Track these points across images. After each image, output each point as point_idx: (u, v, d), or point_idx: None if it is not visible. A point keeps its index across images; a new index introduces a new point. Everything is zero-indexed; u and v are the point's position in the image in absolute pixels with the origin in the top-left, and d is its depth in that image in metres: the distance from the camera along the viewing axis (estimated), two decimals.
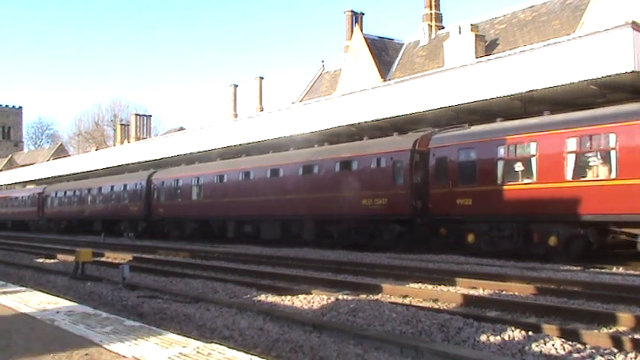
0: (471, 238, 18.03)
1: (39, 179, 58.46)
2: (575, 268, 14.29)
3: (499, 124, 18.24)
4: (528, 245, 16.84)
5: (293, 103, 43.48)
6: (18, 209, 54.12)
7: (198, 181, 30.44)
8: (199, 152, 34.96)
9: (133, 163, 42.15)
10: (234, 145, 31.84)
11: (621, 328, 7.57)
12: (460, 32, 33.90)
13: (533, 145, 16.53)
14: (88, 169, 48.89)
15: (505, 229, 17.37)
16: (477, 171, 18.01)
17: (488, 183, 17.65)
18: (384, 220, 20.69)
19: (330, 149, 23.96)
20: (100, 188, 40.32)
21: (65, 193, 45.90)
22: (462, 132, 19.17)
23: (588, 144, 15.50)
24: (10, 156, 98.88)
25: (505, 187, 17.23)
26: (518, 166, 16.84)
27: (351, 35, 43.05)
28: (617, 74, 16.64)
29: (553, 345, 6.46)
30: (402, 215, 19.97)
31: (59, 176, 53.31)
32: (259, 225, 26.14)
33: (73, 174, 51.33)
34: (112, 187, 38.69)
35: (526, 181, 16.71)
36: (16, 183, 64.74)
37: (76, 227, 42.65)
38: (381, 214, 20.50)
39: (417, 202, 19.48)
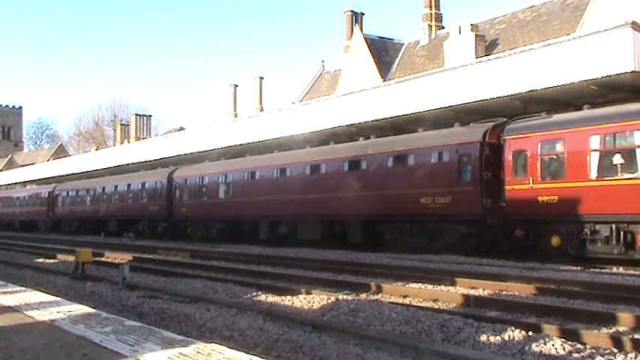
0: (555, 240, 16.14)
1: (42, 178, 57.38)
2: (575, 268, 14.30)
3: (591, 112, 16.38)
4: (632, 250, 14.85)
5: (293, 103, 43.48)
6: (26, 209, 52.14)
7: (226, 179, 28.55)
8: (199, 152, 34.93)
9: (133, 163, 42.09)
10: (235, 145, 31.84)
11: (621, 328, 7.57)
12: (460, 32, 33.90)
13: (638, 135, 14.74)
14: (99, 168, 47.44)
15: (601, 232, 15.35)
16: (564, 165, 16.07)
17: (579, 178, 15.69)
18: (446, 220, 18.85)
19: (381, 142, 21.93)
20: (115, 187, 38.42)
21: (77, 191, 43.96)
22: (543, 121, 17.10)
23: None
24: (10, 156, 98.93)
25: (602, 183, 15.29)
26: (618, 159, 14.94)
27: (351, 35, 43.05)
28: (617, 74, 16.65)
29: (553, 345, 6.46)
30: (468, 215, 18.11)
31: (69, 175, 51.56)
32: (297, 225, 24.30)
33: (80, 172, 50.49)
34: (129, 185, 36.75)
35: (628, 175, 14.87)
36: (16, 183, 64.67)
37: (89, 227, 40.63)
38: (444, 213, 18.62)
39: (487, 200, 17.66)
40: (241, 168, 27.77)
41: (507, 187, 17.23)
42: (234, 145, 31.84)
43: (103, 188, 39.82)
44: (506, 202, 17.24)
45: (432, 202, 18.88)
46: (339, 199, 22.05)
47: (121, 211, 37.28)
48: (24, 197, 53.48)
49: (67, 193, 45.55)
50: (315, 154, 24.19)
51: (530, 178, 16.60)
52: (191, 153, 35.65)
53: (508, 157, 17.27)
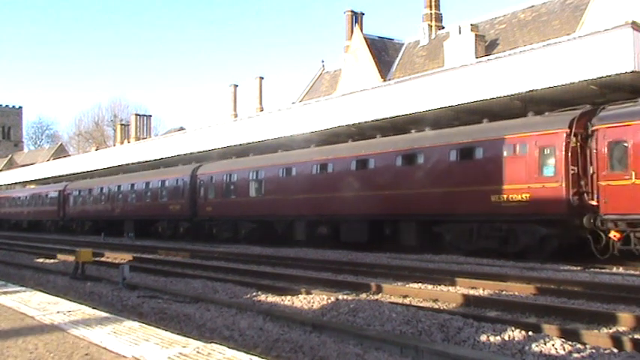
0: None
1: (49, 177, 55.71)
2: (575, 268, 14.29)
3: None
4: None
5: (293, 103, 43.47)
6: (35, 208, 49.87)
7: (257, 175, 26.61)
8: (199, 152, 34.91)
9: (133, 163, 42.04)
10: (234, 145, 31.82)
11: (621, 328, 7.57)
12: (460, 32, 33.90)
13: None
14: (105, 167, 46.35)
15: None
16: None
17: None
18: (522, 220, 16.82)
19: (442, 134, 19.84)
20: (132, 185, 36.35)
21: (90, 190, 41.71)
22: None
23: None
24: (10, 156, 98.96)
25: None
26: None
27: (351, 35, 43.05)
28: (617, 74, 16.64)
29: (553, 345, 6.46)
30: (551, 214, 16.18)
31: (77, 173, 49.84)
32: (339, 226, 22.54)
33: (83, 172, 50.21)
34: (148, 183, 34.67)
35: None
36: (16, 183, 64.63)
37: (103, 228, 37.56)
38: (519, 213, 16.64)
39: (574, 197, 15.74)
40: (275, 164, 25.75)
41: (602, 183, 15.24)
42: (234, 145, 31.82)
43: (119, 187, 37.93)
44: (600, 200, 15.22)
45: (505, 200, 16.90)
46: (390, 198, 20.27)
47: (138, 211, 35.29)
48: (32, 197, 51.53)
49: (80, 192, 43.45)
50: (363, 147, 22.23)
51: (633, 173, 14.63)
52: (191, 153, 35.63)
53: (602, 148, 15.30)
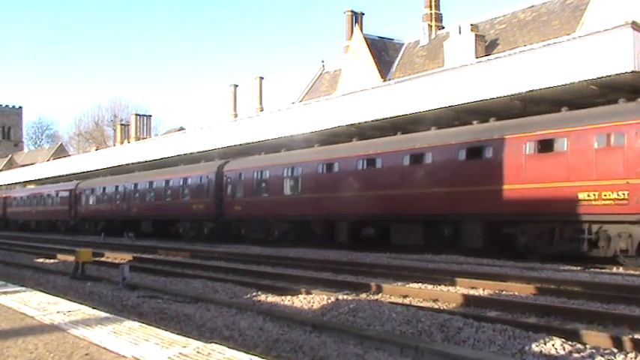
0: None
1: (61, 175, 53.56)
2: (575, 268, 14.30)
3: None
4: None
5: (293, 103, 43.47)
6: (44, 208, 47.90)
7: (293, 172, 24.69)
8: (199, 152, 34.90)
9: (133, 163, 42.03)
10: (234, 145, 31.81)
11: (621, 328, 7.56)
12: (460, 32, 33.92)
13: None
14: (103, 167, 45.98)
15: None
16: None
17: None
18: (618, 221, 14.97)
19: (515, 124, 17.71)
20: (150, 183, 34.38)
21: (104, 189, 39.74)
22: None
23: None
24: (10, 156, 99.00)
25: None
26: None
27: (351, 35, 43.07)
28: (617, 74, 16.66)
29: (553, 345, 6.46)
30: None
31: (95, 170, 47.47)
32: (389, 227, 20.69)
33: (81, 172, 50.25)
34: (167, 181, 32.75)
35: None
36: (16, 183, 64.61)
37: (118, 229, 36.42)
38: (614, 212, 14.87)
39: None
40: (314, 159, 23.78)
41: None
42: (234, 145, 31.82)
43: (136, 185, 35.98)
44: None
45: (596, 198, 15.06)
46: (451, 195, 18.44)
47: (157, 211, 33.32)
48: (41, 196, 49.51)
49: (93, 190, 41.38)
50: (418, 140, 20.14)
51: None
52: (191, 153, 35.63)
53: None
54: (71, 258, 17.02)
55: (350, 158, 22.20)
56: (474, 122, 19.27)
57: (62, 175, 52.61)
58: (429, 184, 19.09)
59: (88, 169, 48.18)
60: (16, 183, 64.72)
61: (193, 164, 33.01)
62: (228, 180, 28.17)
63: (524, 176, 16.63)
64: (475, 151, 18.20)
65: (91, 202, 41.42)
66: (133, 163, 42.00)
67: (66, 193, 44.85)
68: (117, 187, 38.23)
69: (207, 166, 30.45)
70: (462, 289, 11.17)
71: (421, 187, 19.31)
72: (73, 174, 50.60)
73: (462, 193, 18.22)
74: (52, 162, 63.09)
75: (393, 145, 20.88)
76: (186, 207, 30.57)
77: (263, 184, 26.35)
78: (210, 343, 4.46)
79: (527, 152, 16.71)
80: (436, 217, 19.11)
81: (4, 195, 58.59)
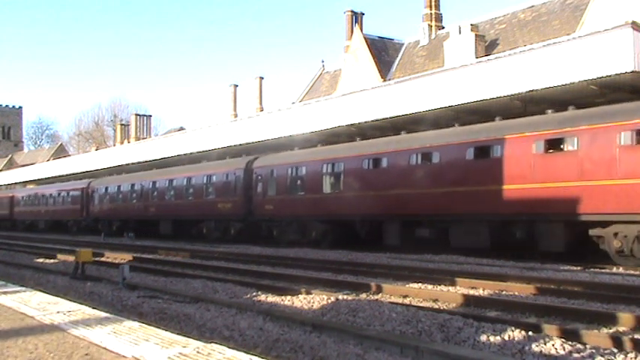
0: None
1: (69, 174, 52.04)
2: (575, 268, 14.29)
3: None
4: None
5: (293, 103, 43.47)
6: (54, 208, 45.96)
7: (334, 168, 22.85)
8: (199, 152, 34.89)
9: (133, 163, 41.99)
10: (235, 145, 31.80)
11: (621, 328, 7.57)
12: (460, 32, 33.93)
13: None
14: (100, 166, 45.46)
15: None
16: None
17: None
18: None
19: (604, 111, 15.68)
20: (170, 181, 32.51)
21: (119, 187, 37.72)
22: None
23: None
24: (10, 156, 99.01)
25: None
26: None
27: (351, 35, 43.08)
28: (617, 74, 16.66)
29: (553, 345, 6.46)
30: None
31: (103, 169, 46.05)
32: (448, 228, 18.86)
33: (81, 171, 50.06)
34: (189, 179, 30.88)
35: None
36: (16, 183, 64.59)
37: (135, 229, 34.62)
38: None
39: None
40: (359, 154, 21.89)
41: None
42: (234, 145, 31.81)
43: (154, 183, 33.99)
44: None
45: None
46: (525, 192, 16.53)
47: (177, 210, 31.43)
48: (51, 195, 47.40)
49: (107, 189, 39.37)
50: (482, 132, 18.15)
51: None
52: (191, 153, 35.62)
53: None
54: (71, 258, 17.02)
55: (402, 152, 20.18)
56: (549, 111, 17.21)
57: (69, 174, 51.44)
58: (495, 181, 17.23)
59: (100, 168, 46.62)
60: (18, 182, 64.60)
61: (218, 160, 31.24)
62: (259, 177, 26.31)
63: (618, 169, 14.70)
64: (555, 143, 16.18)
65: (104, 201, 39.55)
66: (133, 163, 41.91)
67: (77, 192, 42.90)
68: (133, 185, 36.26)
69: (234, 163, 28.71)
70: (462, 289, 11.17)
71: (487, 184, 17.45)
72: (82, 172, 49.23)
73: (538, 191, 16.23)
74: (61, 160, 61.55)
75: (453, 137, 18.88)
76: (211, 206, 28.79)
77: (298, 182, 24.50)
78: (210, 343, 4.46)
79: (622, 142, 14.70)
80: (505, 217, 17.16)
81: (10, 194, 56.87)
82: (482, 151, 17.84)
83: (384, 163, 20.84)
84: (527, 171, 16.53)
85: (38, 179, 56.92)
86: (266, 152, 28.34)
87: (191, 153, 35.60)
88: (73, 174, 50.76)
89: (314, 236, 23.60)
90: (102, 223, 39.25)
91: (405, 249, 17.52)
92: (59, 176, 52.67)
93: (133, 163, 41.89)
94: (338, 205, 22.39)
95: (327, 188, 23.21)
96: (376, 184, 20.83)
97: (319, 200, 23.20)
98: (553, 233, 16.12)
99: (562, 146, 16.07)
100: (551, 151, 16.23)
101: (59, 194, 45.84)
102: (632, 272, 13.56)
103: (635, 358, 6.14)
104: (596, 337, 6.82)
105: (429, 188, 19.07)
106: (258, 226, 26.52)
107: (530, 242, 16.80)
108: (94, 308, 6.32)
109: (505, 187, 17.10)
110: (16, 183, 64.11)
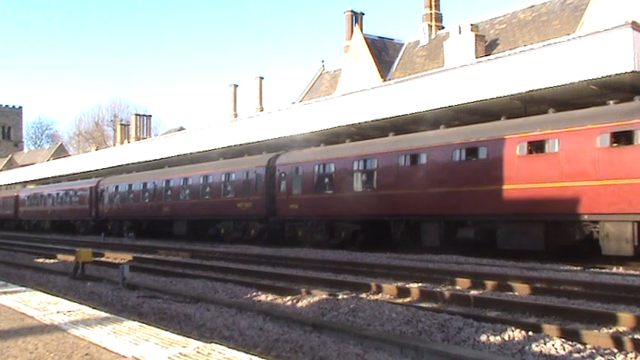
0: None
1: (70, 174, 51.04)
2: (575, 268, 14.29)
3: None
4: None
5: (293, 103, 43.47)
6: (61, 207, 44.58)
7: (366, 165, 21.65)
8: (199, 152, 34.87)
9: (133, 163, 41.94)
10: (234, 145, 31.79)
11: (621, 328, 7.57)
12: (460, 32, 33.94)
13: None
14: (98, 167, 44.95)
15: None
16: None
17: None
18: None
19: None
20: (185, 179, 31.34)
21: (131, 186, 36.32)
22: None
23: None
24: (10, 156, 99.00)
25: None
26: None
27: (351, 35, 43.10)
28: (617, 74, 16.66)
29: (553, 345, 6.46)
30: None
31: (110, 168, 44.69)
32: (495, 228, 17.43)
33: (78, 172, 49.97)
34: (206, 177, 29.64)
35: None
36: (16, 183, 64.54)
37: (146, 230, 33.77)
38: None
39: None
40: (394, 150, 20.56)
41: None
42: (234, 145, 31.79)
43: (167, 181, 32.80)
44: None
45: None
46: (586, 191, 15.15)
47: (193, 210, 30.25)
48: (57, 194, 45.99)
49: (117, 187, 37.99)
50: (537, 125, 16.62)
51: None
52: (191, 153, 35.59)
53: None
54: (71, 258, 17.02)
55: (442, 147, 18.87)
56: (610, 102, 15.96)
57: (74, 174, 50.43)
58: (555, 178, 15.76)
59: (107, 166, 45.51)
60: (15, 183, 64.51)
61: (237, 157, 30.07)
62: (282, 175, 25.01)
63: None
64: (624, 136, 14.80)
65: (114, 200, 38.17)
66: (133, 163, 41.85)
67: (86, 191, 41.46)
68: (145, 183, 34.90)
69: (254, 160, 27.46)
70: (462, 289, 11.17)
71: (544, 181, 16.02)
72: (89, 172, 48.16)
73: (599, 189, 14.94)
74: (67, 159, 60.44)
75: (504, 130, 17.39)
76: (229, 205, 27.51)
77: (327, 179, 23.28)
78: (210, 343, 4.46)
79: None
80: (565, 216, 15.86)
81: (15, 194, 55.41)
82: (538, 146, 16.40)
83: (423, 159, 19.51)
84: (584, 167, 15.23)
85: (43, 178, 56.14)
86: (286, 149, 27.15)
87: (191, 153, 35.53)
88: (75, 173, 50.50)
89: (343, 237, 22.48)
90: (112, 223, 38.27)
91: (445, 251, 16.91)
92: (64, 175, 51.73)
93: (141, 162, 41.38)
94: (370, 204, 21.21)
95: (358, 186, 21.97)
96: (414, 182, 19.61)
97: (350, 199, 21.99)
98: (622, 234, 14.58)
99: (631, 139, 14.61)
100: (618, 143, 14.86)
101: (66, 193, 44.64)
102: (632, 272, 13.56)
103: (635, 358, 6.14)
104: (596, 337, 6.82)
105: (474, 186, 17.82)
106: (281, 226, 25.41)
107: (591, 244, 15.52)
108: (94, 308, 6.32)
109: (566, 184, 15.54)
110: (18, 182, 63.80)
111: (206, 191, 29.61)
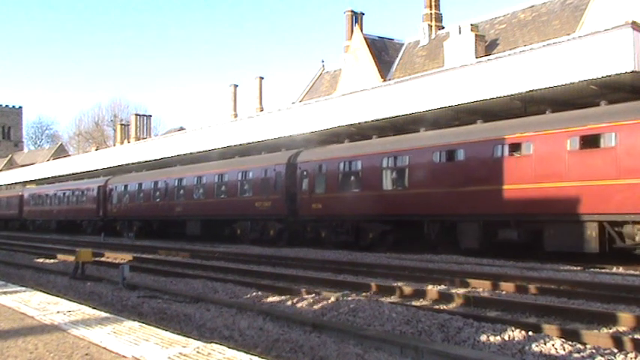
0: None
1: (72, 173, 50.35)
2: (575, 268, 14.29)
3: None
4: None
5: (293, 103, 43.47)
6: (68, 207, 43.49)
7: (396, 162, 20.59)
8: (198, 152, 34.85)
9: (133, 163, 41.89)
10: (234, 145, 31.78)
11: (621, 328, 7.57)
12: (460, 32, 33.95)
13: None
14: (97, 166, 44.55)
15: None
16: None
17: None
18: None
19: None
20: (199, 178, 30.39)
21: (141, 185, 35.32)
22: None
23: None
24: (10, 156, 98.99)
25: None
26: None
27: (351, 35, 43.10)
28: (617, 74, 16.65)
29: (553, 345, 6.46)
30: None
31: (123, 167, 43.32)
32: (542, 228, 16.36)
33: (77, 172, 49.90)
34: (221, 175, 28.81)
35: None
36: (16, 183, 64.49)
37: (157, 230, 33.06)
38: None
39: None
40: (428, 145, 19.54)
41: None
42: (234, 145, 31.79)
43: (180, 180, 31.89)
44: None
45: None
46: None
47: (207, 210, 29.36)
48: (64, 194, 44.89)
49: (126, 187, 36.98)
50: (593, 117, 15.63)
51: None
52: (191, 153, 35.58)
53: None
54: (71, 258, 17.02)
55: (483, 143, 17.77)
56: None
57: (80, 173, 49.54)
58: (613, 174, 14.73)
59: (115, 165, 44.58)
60: (15, 183, 64.43)
61: (255, 155, 28.98)
62: (304, 173, 24.04)
63: None
64: None
65: (124, 200, 37.10)
66: (133, 163, 41.79)
67: (93, 191, 40.35)
68: (157, 182, 33.89)
69: (273, 157, 26.43)
70: (462, 289, 11.17)
71: (599, 178, 15.01)
72: (92, 170, 47.52)
73: None
74: (74, 157, 59.33)
75: (552, 124, 16.34)
76: (247, 205, 26.57)
77: (353, 177, 22.33)
78: (210, 343, 4.46)
79: None
80: (623, 216, 14.68)
81: (19, 193, 54.20)
82: (592, 140, 15.34)
83: (460, 155, 18.52)
84: None
85: (45, 178, 55.64)
86: (307, 146, 26.27)
87: (191, 153, 35.48)
88: (77, 173, 50.30)
89: (371, 238, 21.42)
90: (121, 223, 37.31)
91: (484, 254, 16.19)
92: (68, 175, 51.09)
93: (133, 163, 41.54)
94: (402, 203, 20.21)
95: (387, 184, 20.96)
96: (450, 180, 18.54)
97: (378, 198, 20.95)
98: None
99: None
100: None
101: (73, 193, 43.51)
102: (632, 272, 13.55)
103: (635, 358, 6.14)
104: (596, 337, 6.82)
105: (518, 184, 16.73)
106: (303, 226, 24.49)
107: None
108: (94, 308, 6.32)
109: (623, 181, 14.37)
110: (21, 182, 63.52)
111: (221, 190, 28.77)
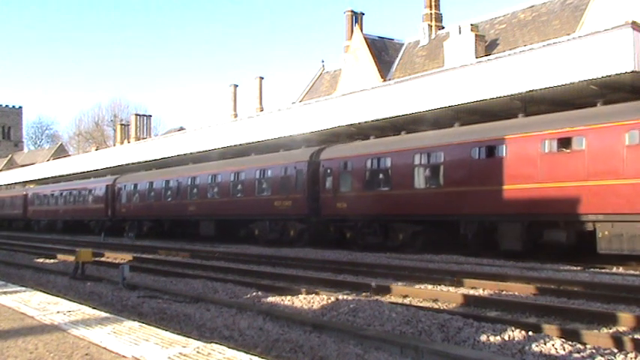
0: None
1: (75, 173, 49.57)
2: (575, 268, 14.28)
3: None
4: None
5: (293, 103, 43.47)
6: (74, 207, 42.50)
7: (429, 159, 19.56)
8: (198, 152, 34.83)
9: (133, 163, 41.84)
10: (234, 145, 31.78)
11: (621, 328, 7.57)
12: (460, 32, 33.95)
13: None
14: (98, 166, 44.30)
15: None
16: None
17: None
18: None
19: None
20: (214, 176, 29.28)
21: (151, 184, 34.25)
22: None
23: None
24: (10, 156, 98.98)
25: None
26: None
27: (351, 35, 43.10)
28: (617, 74, 16.65)
29: (553, 345, 6.46)
30: None
31: (134, 164, 41.94)
32: (596, 229, 15.26)
33: (76, 172, 49.78)
34: (237, 173, 27.79)
35: None
36: (16, 183, 64.45)
37: (168, 231, 32.12)
38: None
39: None
40: (465, 141, 18.46)
41: None
42: (234, 145, 31.78)
43: (193, 179, 30.83)
44: None
45: None
46: None
47: (222, 209, 28.33)
48: (70, 193, 43.79)
49: (135, 186, 35.87)
50: None
51: None
52: (191, 153, 35.56)
53: None
54: (71, 258, 17.02)
55: (527, 139, 16.63)
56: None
57: (83, 172, 48.54)
58: None
59: (125, 163, 43.39)
60: (15, 183, 64.39)
61: (273, 153, 27.84)
62: (328, 171, 22.94)
63: None
64: None
65: (133, 199, 36.03)
66: (133, 163, 41.73)
67: (101, 190, 39.24)
68: (168, 181, 32.84)
69: (294, 155, 25.47)
70: (462, 289, 11.17)
71: None
72: (92, 170, 46.86)
73: None
74: (81, 155, 58.25)
75: (609, 117, 15.23)
76: (265, 204, 25.50)
77: (381, 175, 21.26)
78: (210, 343, 4.46)
79: None
80: None
81: (24, 192, 53.10)
82: None
83: (502, 152, 17.30)
84: None
85: (46, 177, 55.33)
86: (329, 144, 25.31)
87: (191, 153, 35.43)
88: (79, 172, 50.11)
89: (401, 239, 20.42)
90: (130, 223, 36.16)
91: (527, 256, 15.41)
92: (72, 174, 50.36)
93: (133, 163, 41.34)
94: (435, 202, 19.18)
95: (420, 183, 19.89)
96: (490, 178, 17.48)
97: (410, 197, 19.97)
98: None
99: None
100: None
101: (80, 192, 42.27)
102: (632, 272, 13.55)
103: (635, 358, 6.14)
104: (596, 337, 6.82)
105: (569, 181, 15.62)
106: (326, 227, 23.41)
107: None
108: (94, 308, 6.33)
109: None
110: (26, 182, 63.33)
111: (238, 189, 27.62)
